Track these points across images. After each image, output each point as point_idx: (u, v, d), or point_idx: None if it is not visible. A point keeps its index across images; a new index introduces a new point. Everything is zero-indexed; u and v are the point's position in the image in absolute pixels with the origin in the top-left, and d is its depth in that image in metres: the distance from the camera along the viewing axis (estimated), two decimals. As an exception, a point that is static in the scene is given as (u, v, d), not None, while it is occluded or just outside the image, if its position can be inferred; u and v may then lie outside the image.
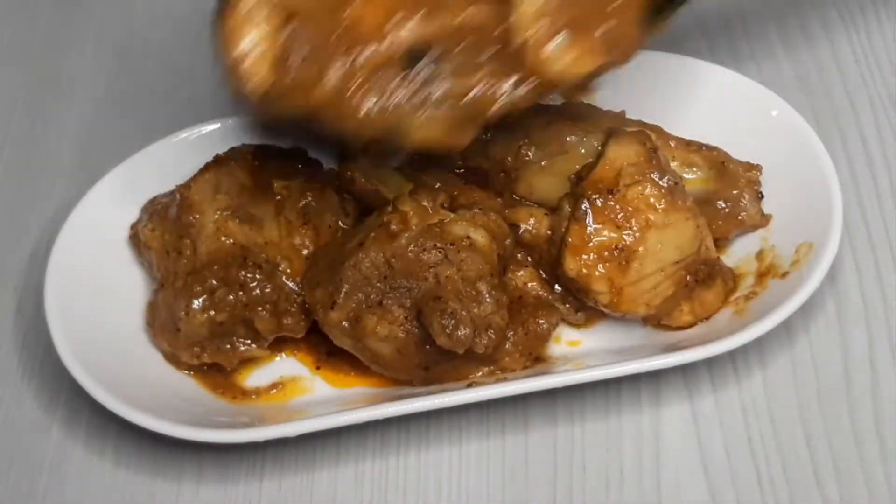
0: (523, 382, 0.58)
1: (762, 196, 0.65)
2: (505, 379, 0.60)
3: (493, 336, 0.58)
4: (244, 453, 0.60)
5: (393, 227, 0.59)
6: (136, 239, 0.65)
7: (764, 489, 0.58)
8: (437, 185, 0.64)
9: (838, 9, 0.77)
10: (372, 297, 0.59)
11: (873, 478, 0.58)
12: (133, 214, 0.65)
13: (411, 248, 0.59)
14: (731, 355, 0.61)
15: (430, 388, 0.60)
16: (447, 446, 0.60)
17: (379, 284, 0.59)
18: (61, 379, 0.62)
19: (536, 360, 0.61)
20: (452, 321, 0.57)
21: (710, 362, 0.61)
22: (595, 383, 0.59)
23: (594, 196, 0.59)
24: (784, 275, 0.61)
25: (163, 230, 0.63)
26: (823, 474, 0.58)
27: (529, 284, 0.62)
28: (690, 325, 0.61)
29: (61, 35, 0.81)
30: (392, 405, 0.57)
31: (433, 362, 0.60)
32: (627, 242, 0.59)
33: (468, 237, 0.60)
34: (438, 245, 0.59)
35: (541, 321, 0.61)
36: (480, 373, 0.60)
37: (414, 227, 0.59)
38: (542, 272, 0.62)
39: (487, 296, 0.59)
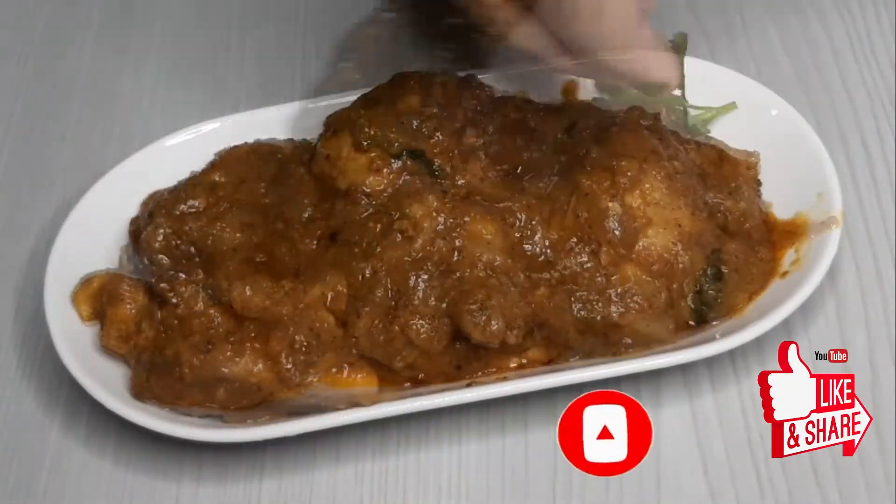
0: (523, 382, 0.58)
1: (760, 183, 0.65)
2: (505, 378, 0.60)
3: (522, 325, 0.58)
4: (244, 453, 0.60)
5: (406, 232, 0.59)
6: (136, 234, 0.64)
7: (763, 489, 0.58)
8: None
9: (838, 9, 0.77)
10: (398, 300, 0.59)
11: (873, 478, 0.58)
12: (133, 214, 0.65)
13: (429, 248, 0.59)
14: (731, 355, 0.61)
15: (430, 388, 0.60)
16: (447, 446, 0.60)
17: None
18: (61, 379, 0.62)
19: (560, 353, 0.61)
20: (484, 316, 0.57)
21: (709, 362, 0.61)
22: (595, 382, 0.59)
23: None
24: (784, 274, 0.61)
25: (170, 229, 0.63)
26: (823, 474, 0.58)
27: None
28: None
29: (61, 34, 0.81)
30: (392, 405, 0.57)
31: (464, 359, 0.60)
32: None
33: (483, 230, 0.60)
34: (456, 243, 0.59)
35: None
36: (511, 364, 0.60)
37: (426, 228, 0.59)
38: None
39: (512, 285, 0.59)
